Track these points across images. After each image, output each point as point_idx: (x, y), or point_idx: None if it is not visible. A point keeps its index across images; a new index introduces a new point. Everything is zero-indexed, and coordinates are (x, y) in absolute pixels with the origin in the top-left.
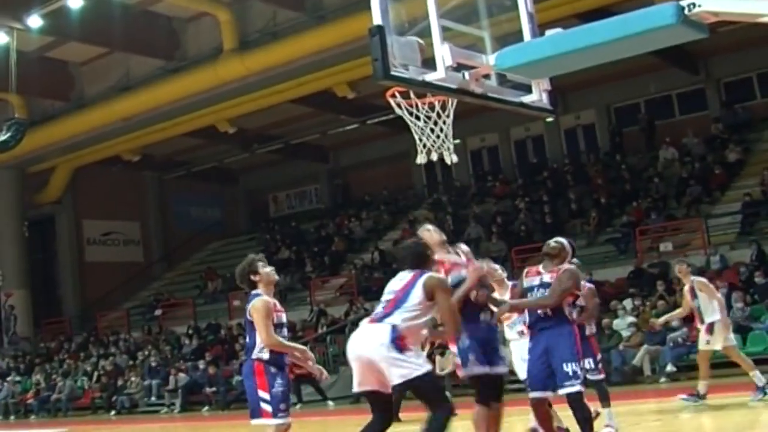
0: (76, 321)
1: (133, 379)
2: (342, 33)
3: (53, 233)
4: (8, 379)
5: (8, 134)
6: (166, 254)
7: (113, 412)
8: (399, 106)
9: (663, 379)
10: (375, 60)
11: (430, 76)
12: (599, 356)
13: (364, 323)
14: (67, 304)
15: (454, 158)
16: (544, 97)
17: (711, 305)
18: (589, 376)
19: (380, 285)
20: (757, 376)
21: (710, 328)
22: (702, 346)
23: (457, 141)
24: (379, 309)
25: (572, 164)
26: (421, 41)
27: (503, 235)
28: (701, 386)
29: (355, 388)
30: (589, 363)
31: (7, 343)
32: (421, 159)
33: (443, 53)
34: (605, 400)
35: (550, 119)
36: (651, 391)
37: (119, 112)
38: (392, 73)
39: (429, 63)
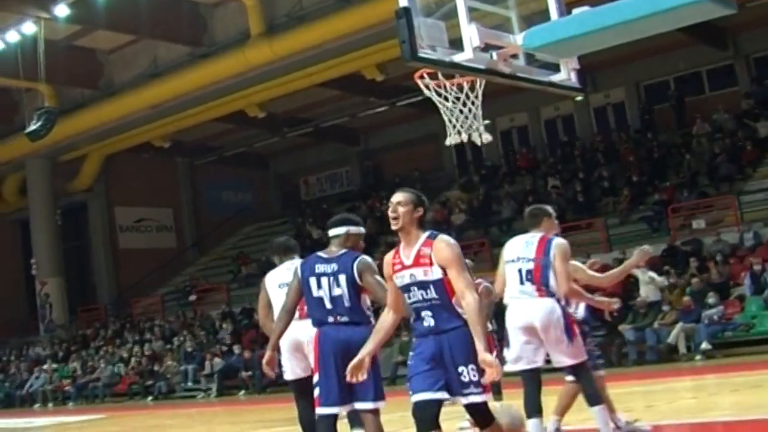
0: (111, 308)
1: (169, 364)
2: (369, 15)
3: (86, 221)
4: (45, 366)
5: (39, 123)
6: (199, 240)
7: (150, 398)
8: (428, 87)
9: (698, 357)
10: (402, 42)
11: (458, 57)
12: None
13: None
14: (101, 291)
15: (485, 138)
16: (573, 76)
17: None
18: None
19: None
20: None
21: None
22: None
23: (487, 121)
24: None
25: (603, 143)
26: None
27: None
28: None
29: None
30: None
31: (44, 331)
32: (451, 140)
33: (470, 34)
34: (497, 393)
35: (579, 98)
36: (686, 369)
37: (148, 98)
38: (420, 54)
39: (456, 44)
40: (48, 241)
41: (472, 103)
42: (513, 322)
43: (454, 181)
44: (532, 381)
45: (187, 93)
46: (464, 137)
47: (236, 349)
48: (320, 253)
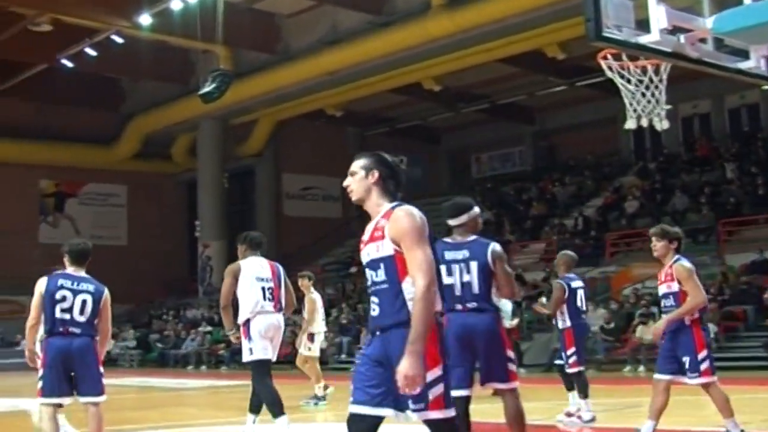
0: None
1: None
2: None
3: (252, 185)
4: (200, 329)
5: (213, 85)
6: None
7: None
8: (610, 68)
9: None
10: (588, 20)
11: (644, 39)
12: (572, 349)
13: None
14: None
15: (665, 124)
16: (763, 63)
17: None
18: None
19: (581, 252)
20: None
21: (312, 338)
22: (306, 352)
23: (669, 106)
24: None
25: None
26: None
27: (711, 206)
28: (318, 389)
29: None
30: (562, 356)
31: (202, 293)
32: (630, 124)
33: (659, 15)
34: (578, 391)
35: (766, 87)
36: None
37: (325, 65)
38: (605, 34)
39: (643, 25)
40: (213, 204)
41: (656, 87)
42: None
43: (630, 167)
44: None
45: (364, 62)
46: (644, 122)
47: None
48: (447, 239)
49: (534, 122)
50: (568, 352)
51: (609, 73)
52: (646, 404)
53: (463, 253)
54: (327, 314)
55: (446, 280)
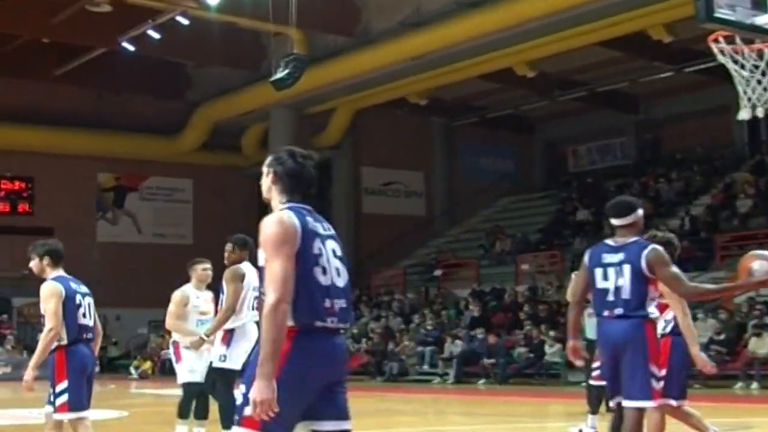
0: None
1: (405, 343)
2: None
3: (329, 180)
4: None
5: (286, 71)
6: (451, 209)
7: (381, 378)
8: (722, 52)
9: None
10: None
11: (761, 19)
12: (597, 363)
13: None
14: None
15: None
16: None
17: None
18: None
19: (688, 255)
20: None
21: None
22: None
23: None
24: None
25: None
26: None
27: None
28: None
29: None
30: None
31: None
32: (744, 114)
33: None
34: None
35: None
36: None
37: (408, 50)
38: (716, 14)
39: (760, 4)
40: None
41: None
42: None
43: (743, 161)
44: None
45: (451, 46)
46: (760, 111)
47: (480, 332)
48: (608, 241)
49: (637, 111)
50: (593, 365)
51: (721, 58)
52: (757, 425)
53: (619, 257)
54: (408, 321)
55: (601, 284)
